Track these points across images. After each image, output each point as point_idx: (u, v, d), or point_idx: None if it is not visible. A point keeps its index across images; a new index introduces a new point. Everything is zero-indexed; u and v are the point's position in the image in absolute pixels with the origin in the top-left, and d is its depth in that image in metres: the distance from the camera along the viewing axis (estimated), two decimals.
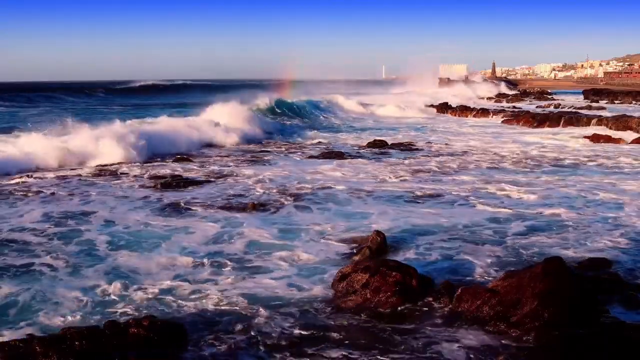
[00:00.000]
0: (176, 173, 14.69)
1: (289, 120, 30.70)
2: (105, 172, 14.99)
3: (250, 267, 7.61)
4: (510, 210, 10.57)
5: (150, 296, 6.58)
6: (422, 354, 5.29)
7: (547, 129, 27.23)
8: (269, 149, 20.14)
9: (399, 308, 6.23)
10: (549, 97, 67.29)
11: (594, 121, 27.52)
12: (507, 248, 8.35)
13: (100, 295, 6.62)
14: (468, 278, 7.17)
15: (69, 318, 5.99)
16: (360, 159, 17.42)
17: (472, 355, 5.26)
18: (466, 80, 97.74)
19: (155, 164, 16.47)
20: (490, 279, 7.03)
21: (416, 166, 16.00)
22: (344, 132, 27.12)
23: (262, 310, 6.18)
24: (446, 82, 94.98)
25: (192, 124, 22.10)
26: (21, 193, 12.15)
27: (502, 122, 31.82)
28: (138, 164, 16.28)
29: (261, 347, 5.42)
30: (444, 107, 41.28)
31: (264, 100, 31.92)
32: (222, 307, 6.31)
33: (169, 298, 6.54)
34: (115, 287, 6.80)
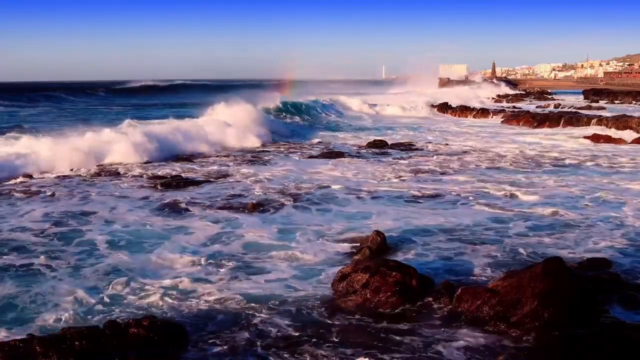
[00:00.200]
0: (176, 173, 14.71)
1: (289, 119, 30.69)
2: (106, 172, 14.99)
3: (250, 267, 7.61)
4: (510, 211, 10.57)
5: (150, 296, 6.59)
6: (422, 354, 5.29)
7: (547, 129, 27.27)
8: (268, 149, 20.12)
9: (399, 308, 6.24)
10: (549, 97, 67.36)
11: (594, 121, 27.53)
12: (507, 248, 8.35)
13: (100, 295, 6.62)
14: (468, 278, 7.18)
15: (69, 318, 5.99)
16: (360, 159, 17.43)
17: (472, 356, 5.26)
18: (466, 80, 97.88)
19: (156, 163, 16.47)
20: (490, 279, 7.03)
21: (416, 166, 16.00)
22: (343, 132, 27.12)
23: (262, 311, 6.19)
24: (446, 82, 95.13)
25: (201, 124, 21.64)
26: (21, 193, 12.16)
27: (502, 122, 31.85)
28: (138, 164, 16.28)
29: (261, 347, 5.42)
30: (444, 107, 41.27)
31: (272, 101, 31.75)
32: (222, 307, 6.31)
33: (169, 298, 6.54)
34: (115, 287, 6.81)
